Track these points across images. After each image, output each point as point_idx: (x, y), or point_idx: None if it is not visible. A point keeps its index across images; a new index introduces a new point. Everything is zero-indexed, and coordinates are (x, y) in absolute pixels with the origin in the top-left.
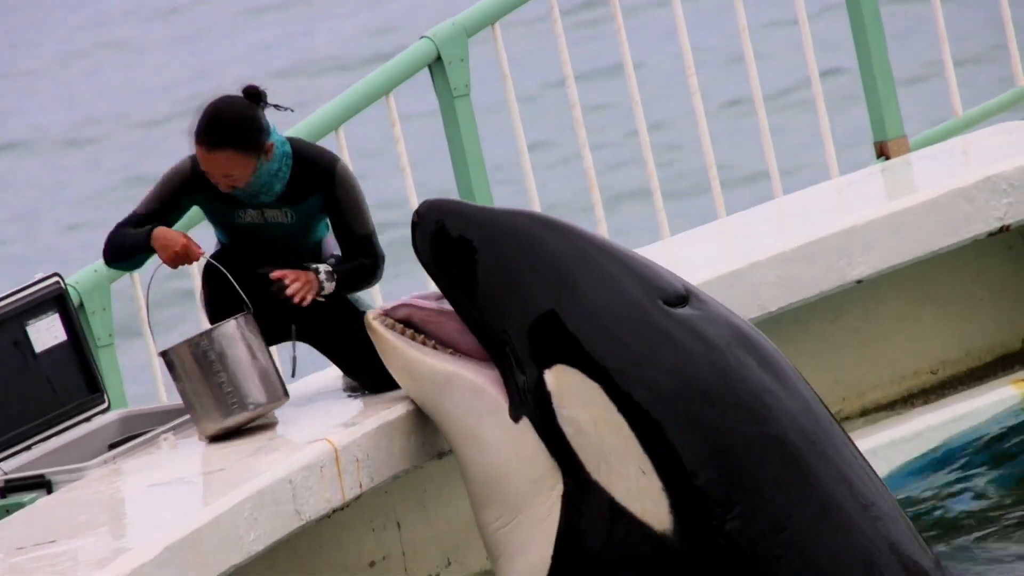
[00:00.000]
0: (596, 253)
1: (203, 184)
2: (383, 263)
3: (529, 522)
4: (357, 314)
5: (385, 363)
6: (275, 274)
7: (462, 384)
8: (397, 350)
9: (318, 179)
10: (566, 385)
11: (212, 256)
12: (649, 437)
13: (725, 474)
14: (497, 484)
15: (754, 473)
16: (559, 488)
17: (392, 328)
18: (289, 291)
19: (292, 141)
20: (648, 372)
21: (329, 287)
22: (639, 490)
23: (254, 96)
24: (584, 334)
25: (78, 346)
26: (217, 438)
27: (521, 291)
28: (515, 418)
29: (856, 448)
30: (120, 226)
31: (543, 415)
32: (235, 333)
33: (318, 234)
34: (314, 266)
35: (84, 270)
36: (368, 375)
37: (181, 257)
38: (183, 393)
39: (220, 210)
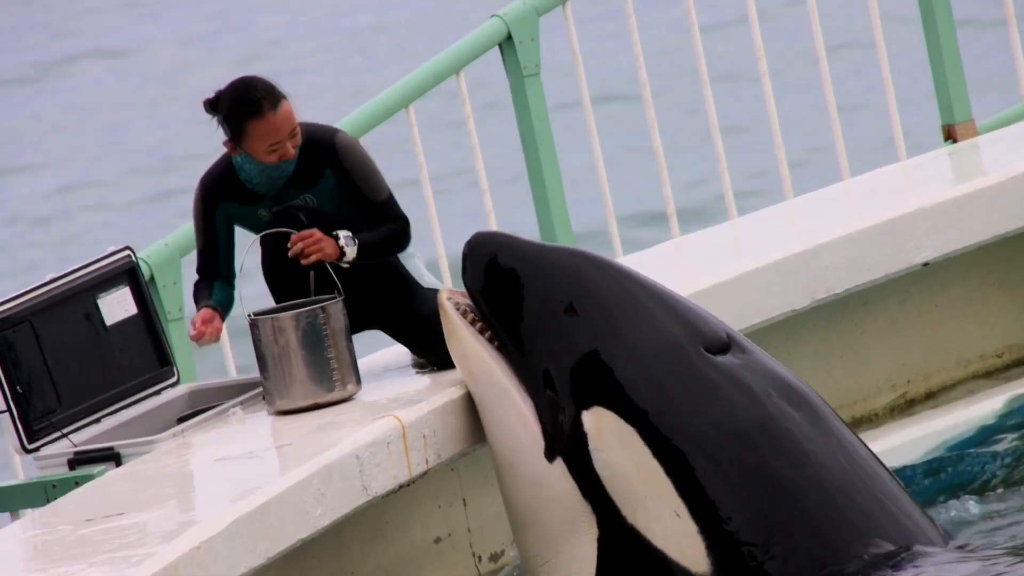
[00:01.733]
0: (641, 295)
1: (222, 192)
2: (408, 225)
3: (567, 562)
4: (420, 290)
5: (448, 344)
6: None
7: (511, 406)
8: (463, 339)
9: (322, 155)
10: (603, 428)
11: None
12: (685, 481)
13: (761, 518)
14: (532, 519)
15: (791, 517)
16: (594, 531)
17: (464, 314)
18: (292, 250)
19: None
20: (686, 418)
21: (351, 252)
22: (675, 534)
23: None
24: (624, 378)
25: (148, 320)
26: (285, 413)
27: (564, 329)
28: (550, 457)
29: (902, 487)
30: (197, 272)
31: (579, 456)
32: (342, 313)
33: (348, 212)
34: (335, 232)
35: (155, 244)
36: (434, 351)
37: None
38: (275, 362)
39: (246, 212)
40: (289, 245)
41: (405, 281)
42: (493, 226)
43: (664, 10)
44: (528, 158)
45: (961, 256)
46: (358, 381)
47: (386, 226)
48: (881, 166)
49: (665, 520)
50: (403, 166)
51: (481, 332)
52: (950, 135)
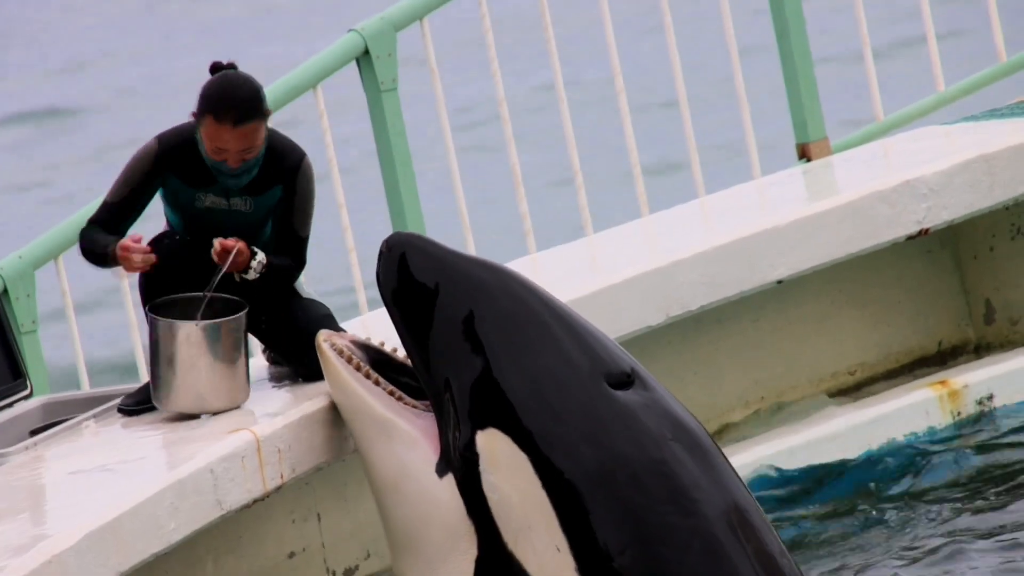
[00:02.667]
0: (550, 319)
1: (172, 164)
2: (302, 269)
3: None
4: (301, 300)
5: (329, 386)
6: (220, 241)
7: (396, 434)
8: (340, 378)
9: (284, 170)
10: (496, 451)
11: (163, 236)
12: (570, 516)
13: (642, 562)
14: (414, 536)
15: (672, 563)
16: (473, 552)
17: (340, 353)
18: (216, 250)
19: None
20: (578, 453)
21: (254, 274)
22: (553, 568)
23: (233, 68)
24: (521, 403)
25: (1, 332)
26: (170, 416)
27: (469, 345)
28: (440, 473)
29: (784, 547)
30: (92, 223)
31: (468, 476)
32: (244, 323)
33: (264, 232)
34: (257, 251)
35: (8, 257)
36: (304, 362)
37: (141, 267)
38: (169, 363)
39: (184, 192)
40: (219, 248)
41: (287, 291)
42: (349, 242)
43: (522, 31)
44: (385, 172)
45: (814, 274)
46: (248, 390)
47: (290, 262)
48: (735, 184)
49: (544, 553)
50: None
51: (358, 368)
52: (804, 154)
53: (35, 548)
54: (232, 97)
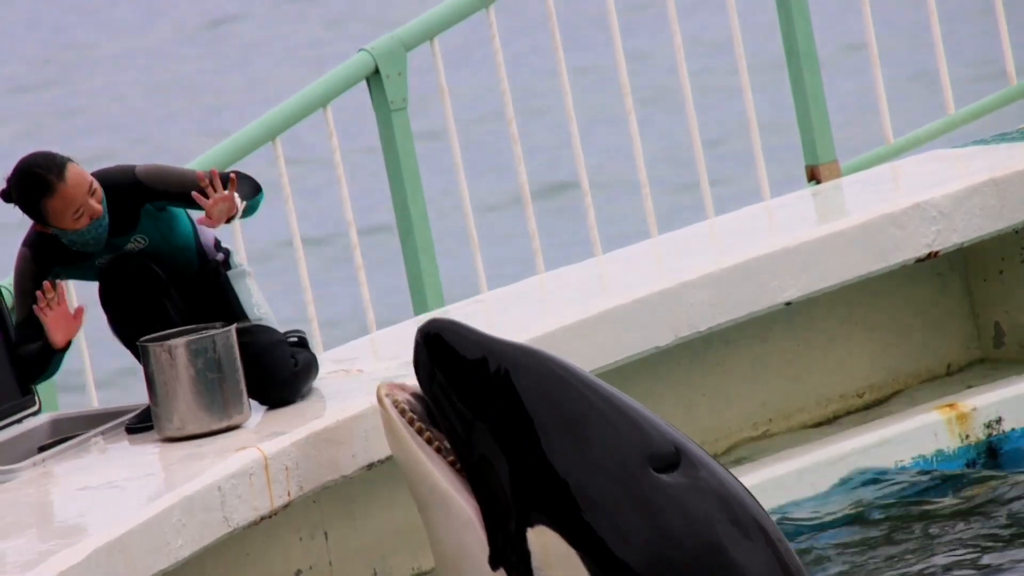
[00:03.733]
0: (592, 405)
1: (52, 257)
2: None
3: None
4: (249, 328)
5: (388, 443)
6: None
7: (454, 511)
8: (402, 440)
9: (132, 195)
10: (548, 548)
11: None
12: None
13: None
14: None
15: None
16: None
17: (403, 413)
18: (216, 210)
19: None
20: (629, 547)
21: (241, 204)
22: None
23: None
24: (569, 498)
25: (10, 348)
26: (173, 440)
27: (512, 435)
28: (493, 566)
29: None
30: (16, 347)
31: (522, 572)
32: (234, 341)
33: (183, 232)
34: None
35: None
36: (262, 393)
37: (75, 330)
38: (165, 388)
39: (81, 268)
40: (212, 204)
41: (233, 317)
42: (357, 259)
43: (530, 43)
44: (394, 192)
45: (823, 296)
46: (248, 408)
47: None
48: (745, 205)
49: None
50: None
51: (420, 432)
52: (814, 176)
53: (43, 564)
54: (37, 168)
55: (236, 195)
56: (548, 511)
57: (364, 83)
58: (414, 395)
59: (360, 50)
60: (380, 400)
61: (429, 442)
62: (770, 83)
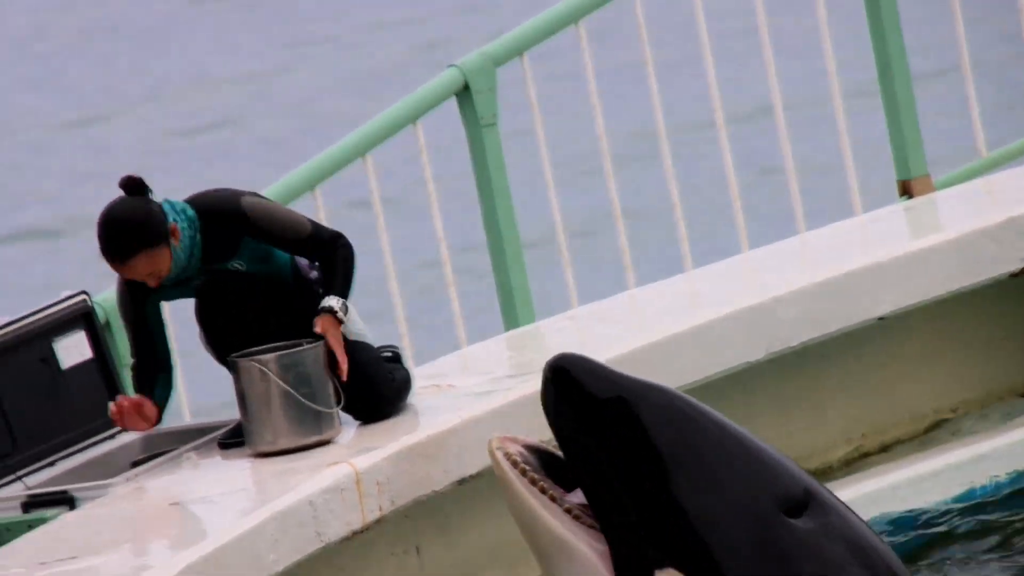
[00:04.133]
0: (722, 446)
1: (147, 288)
2: (343, 237)
3: None
4: (350, 344)
5: (505, 496)
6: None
7: (577, 557)
8: (517, 493)
9: (235, 226)
10: None
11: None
12: None
13: None
14: None
15: None
16: None
17: (515, 465)
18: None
19: (192, 201)
20: None
21: (345, 313)
22: None
23: (136, 187)
24: (697, 540)
25: (104, 364)
26: (265, 455)
27: (644, 477)
28: None
29: None
30: (133, 369)
31: None
32: (324, 355)
33: (280, 254)
34: (326, 305)
35: (111, 289)
36: (363, 411)
37: (154, 421)
38: (257, 404)
39: (180, 292)
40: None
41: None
42: (448, 276)
43: (621, 56)
44: (484, 209)
45: (917, 311)
46: (339, 423)
47: (328, 259)
48: (837, 220)
49: None
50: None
51: (533, 482)
52: (906, 190)
53: None
54: (111, 233)
55: (332, 327)
56: (676, 552)
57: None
58: (525, 446)
59: (450, 66)
60: (492, 454)
61: (543, 492)
62: (863, 105)
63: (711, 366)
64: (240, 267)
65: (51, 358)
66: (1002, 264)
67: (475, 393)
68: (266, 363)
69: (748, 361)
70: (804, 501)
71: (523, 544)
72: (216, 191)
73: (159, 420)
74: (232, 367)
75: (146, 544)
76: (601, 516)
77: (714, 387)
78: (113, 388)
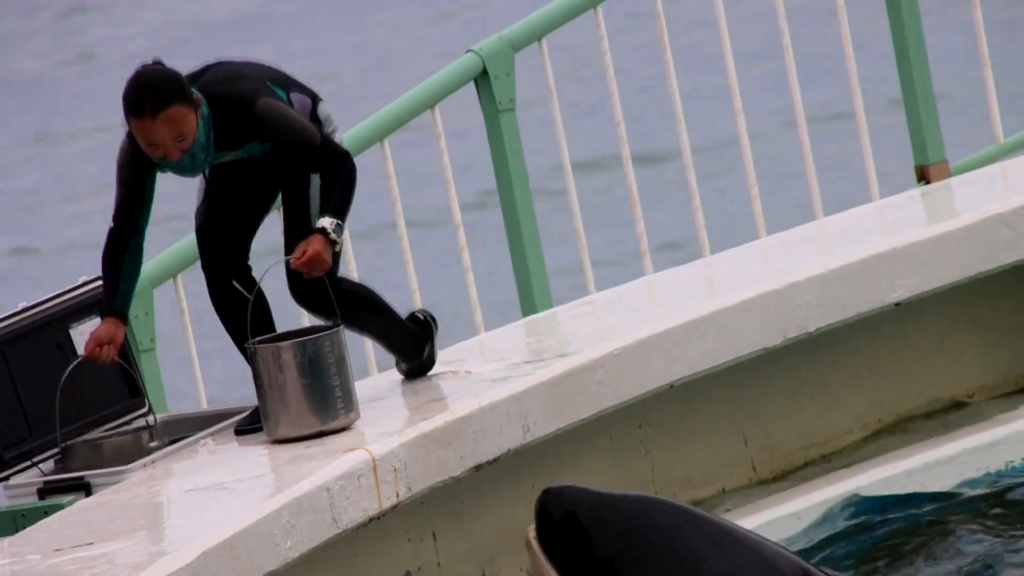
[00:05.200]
0: (719, 541)
1: (148, 160)
2: (349, 158)
3: None
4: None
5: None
6: (292, 262)
7: None
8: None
9: (244, 125)
10: None
11: (199, 212)
12: None
13: None
14: None
15: None
16: None
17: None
18: (305, 274)
19: (206, 87)
20: None
21: (340, 237)
22: None
23: (158, 63)
24: None
25: (120, 350)
26: (283, 441)
27: None
28: None
29: None
30: (111, 227)
31: None
32: (344, 341)
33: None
34: (319, 226)
35: None
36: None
37: (95, 354)
38: (275, 391)
39: (179, 166)
40: (293, 265)
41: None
42: (467, 266)
43: (642, 54)
44: (502, 194)
45: (933, 296)
46: (357, 409)
47: (332, 175)
48: (854, 206)
49: None
50: (381, 201)
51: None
52: (923, 176)
53: (153, 566)
54: (144, 88)
55: (323, 249)
56: None
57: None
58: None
59: (468, 51)
60: (529, 544)
61: None
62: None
63: (727, 352)
64: (242, 155)
65: (67, 344)
66: (1018, 250)
67: (492, 379)
68: (282, 350)
69: (765, 347)
70: None
71: None
72: (239, 86)
73: (124, 331)
74: (249, 355)
75: (162, 531)
76: None
77: (731, 373)
78: (129, 374)
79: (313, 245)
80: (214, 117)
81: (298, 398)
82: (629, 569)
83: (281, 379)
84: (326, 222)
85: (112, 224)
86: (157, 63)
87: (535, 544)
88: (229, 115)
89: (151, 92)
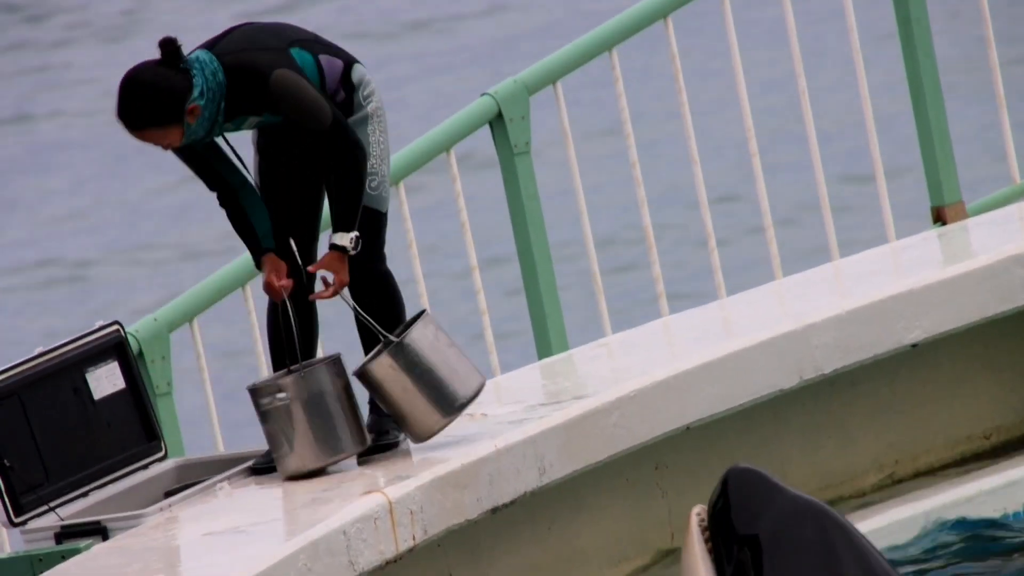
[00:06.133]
0: (854, 561)
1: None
2: (360, 149)
3: None
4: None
5: (683, 557)
6: (311, 297)
7: None
8: (691, 555)
9: (255, 95)
10: None
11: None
12: None
13: None
14: None
15: None
16: None
17: (704, 531)
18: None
19: (224, 55)
20: None
21: (354, 244)
22: None
23: (171, 54)
24: None
25: (136, 394)
26: (295, 478)
27: (771, 572)
28: None
29: None
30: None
31: None
32: (343, 371)
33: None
34: (339, 244)
35: (144, 319)
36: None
37: (272, 291)
38: (280, 427)
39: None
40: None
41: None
42: (482, 304)
43: (654, 85)
44: (518, 235)
45: (950, 337)
46: (364, 437)
47: (342, 170)
48: (869, 247)
49: None
50: (395, 237)
51: (711, 552)
52: (939, 217)
53: None
54: (124, 102)
55: (343, 269)
56: None
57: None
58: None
59: (483, 94)
60: (690, 518)
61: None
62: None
63: (743, 394)
64: (267, 121)
65: (83, 388)
66: None
67: (508, 421)
68: (283, 387)
69: (781, 388)
70: None
71: (555, 573)
72: (255, 46)
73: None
74: (251, 395)
75: (179, 575)
76: None
77: (746, 414)
78: (146, 418)
79: (338, 274)
80: (229, 85)
81: (303, 433)
82: (771, 563)
83: (284, 416)
84: (343, 240)
85: (216, 194)
86: (166, 49)
87: (694, 519)
88: (244, 84)
89: (125, 114)
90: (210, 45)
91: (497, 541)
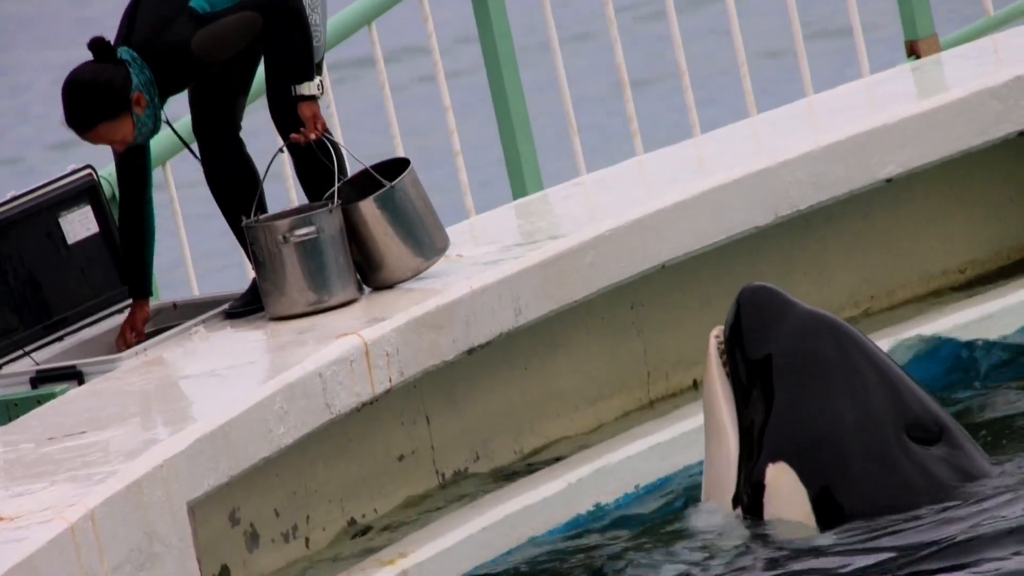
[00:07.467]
0: (866, 368)
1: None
2: (292, 4)
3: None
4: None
5: (704, 380)
6: (293, 138)
7: (724, 443)
8: (709, 374)
9: (188, 67)
10: (781, 483)
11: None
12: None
13: None
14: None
15: None
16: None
17: (721, 354)
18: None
19: (143, 48)
20: (858, 496)
21: (318, 87)
22: None
23: (103, 51)
24: (814, 441)
25: (110, 238)
26: (283, 318)
27: (786, 384)
28: (734, 504)
29: None
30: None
31: (753, 505)
32: (339, 218)
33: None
34: (306, 94)
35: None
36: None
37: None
38: (273, 268)
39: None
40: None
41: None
42: (455, 145)
43: None
44: (491, 77)
45: (924, 172)
46: (359, 286)
47: (285, 31)
48: (844, 83)
49: None
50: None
51: (727, 372)
52: (913, 51)
53: (146, 453)
54: (70, 105)
55: (318, 112)
56: (794, 450)
57: None
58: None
59: None
60: (711, 340)
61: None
62: None
63: (719, 231)
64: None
65: (57, 233)
66: (1009, 123)
67: (484, 262)
68: (279, 228)
69: (756, 225)
70: (934, 436)
71: (531, 413)
72: (162, 26)
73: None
74: (246, 233)
75: (155, 418)
76: (742, 417)
77: (723, 252)
78: (119, 262)
79: (316, 118)
80: (158, 72)
81: (297, 276)
82: (785, 376)
83: (279, 257)
84: (307, 88)
85: (120, 219)
86: (97, 48)
87: (712, 341)
88: (171, 65)
89: (74, 116)
90: (124, 39)
91: (473, 382)
